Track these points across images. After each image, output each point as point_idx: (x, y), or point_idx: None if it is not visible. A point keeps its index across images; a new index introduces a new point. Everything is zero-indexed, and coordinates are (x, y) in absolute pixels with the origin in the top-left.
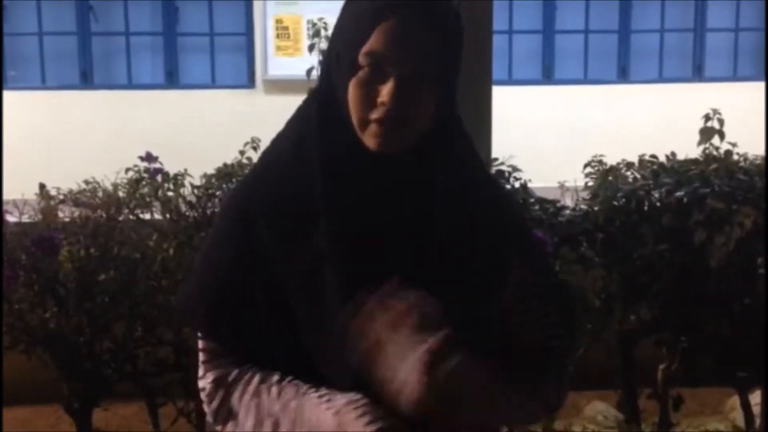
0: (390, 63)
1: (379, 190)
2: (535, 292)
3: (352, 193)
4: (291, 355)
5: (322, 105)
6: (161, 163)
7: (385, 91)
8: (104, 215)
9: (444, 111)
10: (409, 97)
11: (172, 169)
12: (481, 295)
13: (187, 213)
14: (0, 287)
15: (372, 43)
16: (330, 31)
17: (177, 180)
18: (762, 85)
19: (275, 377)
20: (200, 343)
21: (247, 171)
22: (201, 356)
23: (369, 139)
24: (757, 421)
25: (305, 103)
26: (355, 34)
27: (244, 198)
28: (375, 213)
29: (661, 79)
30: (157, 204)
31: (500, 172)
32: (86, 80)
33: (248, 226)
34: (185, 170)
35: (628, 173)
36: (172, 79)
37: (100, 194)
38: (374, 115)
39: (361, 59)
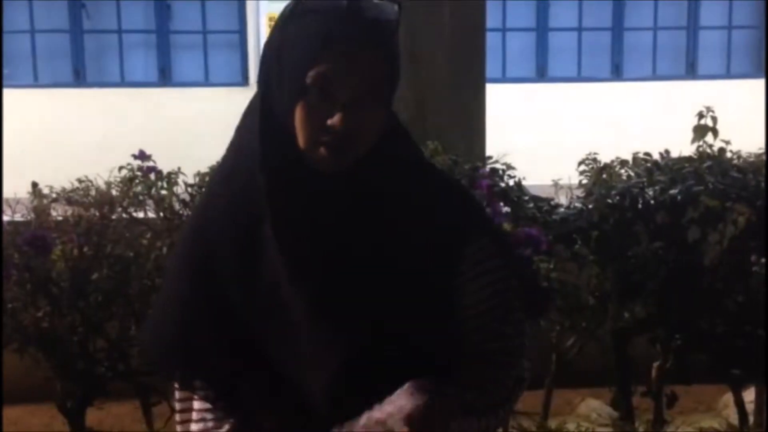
0: (339, 86)
1: (324, 204)
2: (492, 270)
3: (298, 209)
4: (257, 376)
5: (264, 123)
6: (154, 162)
7: (336, 117)
8: (97, 214)
9: (387, 123)
10: (358, 120)
11: (165, 167)
12: (432, 300)
13: (181, 211)
14: (1, 288)
15: (321, 65)
16: None
17: (170, 178)
18: (755, 82)
19: None
20: (176, 394)
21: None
22: (177, 405)
23: (316, 159)
24: (751, 419)
25: (246, 116)
26: (302, 56)
27: (200, 225)
28: (323, 224)
29: (655, 76)
30: (150, 202)
31: (494, 170)
32: (79, 78)
33: (206, 255)
34: (179, 168)
35: (622, 171)
36: (165, 77)
37: (93, 193)
38: (323, 137)
39: (309, 81)
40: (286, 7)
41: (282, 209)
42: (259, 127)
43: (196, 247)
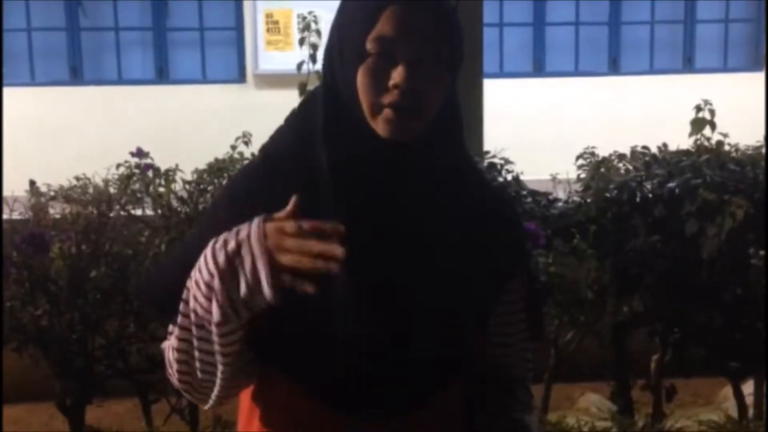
0: (399, 47)
1: (389, 179)
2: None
3: (362, 184)
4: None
5: (328, 100)
6: (152, 159)
7: (397, 73)
8: (95, 211)
9: (450, 97)
10: (421, 80)
11: (163, 164)
12: (475, 293)
13: (179, 208)
14: (0, 287)
15: (380, 28)
16: (320, 25)
17: (168, 175)
18: (752, 75)
19: None
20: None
21: (241, 164)
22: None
23: (382, 125)
24: (750, 411)
25: (308, 99)
26: (361, 22)
27: (242, 186)
28: (385, 202)
29: (652, 70)
30: (148, 200)
31: (492, 165)
32: (76, 76)
33: (239, 214)
34: (176, 166)
35: (620, 165)
36: (162, 75)
37: (90, 190)
38: (387, 99)
39: (369, 45)
40: None
41: (343, 179)
42: (323, 103)
43: (232, 210)
